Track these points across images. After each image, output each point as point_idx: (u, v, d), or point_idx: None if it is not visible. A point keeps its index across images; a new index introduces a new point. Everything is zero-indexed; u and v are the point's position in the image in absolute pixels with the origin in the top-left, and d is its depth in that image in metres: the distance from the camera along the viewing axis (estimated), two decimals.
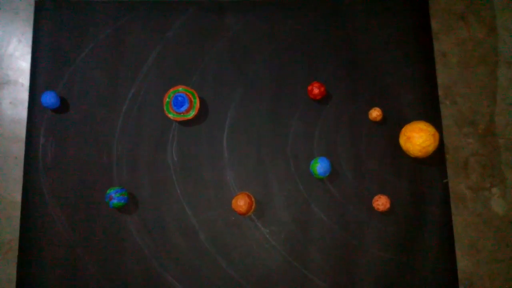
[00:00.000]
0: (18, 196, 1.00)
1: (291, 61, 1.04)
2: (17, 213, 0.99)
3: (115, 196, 0.94)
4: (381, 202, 0.94)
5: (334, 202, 0.98)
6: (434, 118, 1.01)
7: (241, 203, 0.92)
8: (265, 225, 0.97)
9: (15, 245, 0.98)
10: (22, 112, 1.04)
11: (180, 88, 1.01)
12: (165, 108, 1.00)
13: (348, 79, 1.03)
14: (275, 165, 1.00)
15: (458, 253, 0.96)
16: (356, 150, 1.00)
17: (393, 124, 1.01)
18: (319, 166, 0.94)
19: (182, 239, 0.97)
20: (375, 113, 0.99)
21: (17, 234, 0.98)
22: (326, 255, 0.95)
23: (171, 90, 1.01)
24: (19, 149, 1.02)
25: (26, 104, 1.04)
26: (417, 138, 0.93)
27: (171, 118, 1.00)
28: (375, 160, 0.99)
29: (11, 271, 0.97)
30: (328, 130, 1.01)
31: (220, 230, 0.97)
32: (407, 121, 0.99)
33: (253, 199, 0.95)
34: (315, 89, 0.99)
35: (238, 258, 0.96)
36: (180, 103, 0.98)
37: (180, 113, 1.00)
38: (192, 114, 1.00)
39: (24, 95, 1.05)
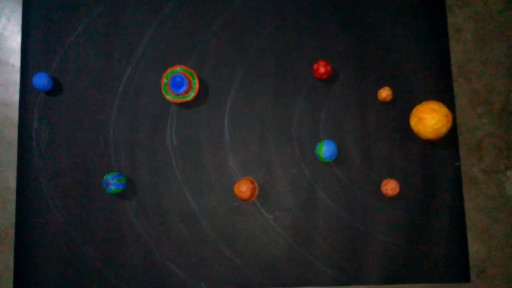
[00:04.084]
0: (12, 182, 0.97)
1: (295, 38, 0.98)
2: (12, 199, 0.96)
3: (112, 182, 0.90)
4: (390, 187, 0.90)
5: (341, 186, 0.94)
6: (447, 97, 0.95)
7: (243, 188, 0.89)
8: (269, 211, 0.94)
9: (11, 232, 0.95)
10: (14, 95, 1.00)
11: (178, 68, 0.96)
12: (163, 90, 0.95)
13: (356, 57, 0.97)
14: (279, 148, 0.95)
15: (470, 239, 0.92)
16: (364, 132, 0.95)
17: (404, 104, 0.95)
18: (325, 150, 0.89)
19: (183, 226, 0.94)
20: (385, 93, 0.94)
21: (13, 221, 0.95)
22: (333, 242, 0.92)
23: (169, 70, 0.96)
24: (12, 133, 0.98)
25: (18, 87, 1.00)
26: (429, 119, 0.88)
27: (170, 100, 0.95)
28: (384, 143, 0.95)
29: (9, 259, 0.95)
30: (334, 111, 0.96)
31: (222, 216, 0.94)
32: (419, 101, 0.94)
33: (256, 184, 0.91)
34: (321, 68, 0.93)
35: (241, 245, 0.93)
36: (179, 84, 0.94)
37: (178, 95, 0.95)
38: (191, 95, 0.95)
39: (15, 76, 1.00)
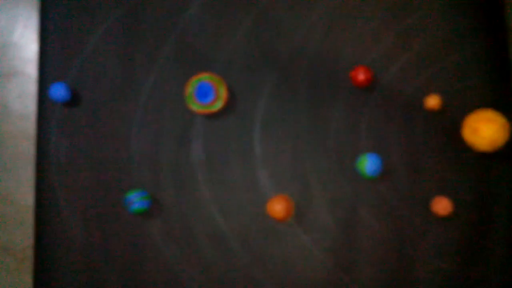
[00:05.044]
0: (30, 199, 0.91)
1: (331, 41, 0.89)
2: (30, 218, 0.90)
3: (136, 201, 0.83)
4: (441, 206, 0.81)
5: (386, 205, 0.85)
6: (504, 105, 0.86)
7: (278, 207, 0.81)
8: (306, 232, 0.85)
9: (30, 253, 0.90)
10: (31, 106, 0.94)
11: (205, 76, 0.88)
12: (187, 99, 0.88)
13: (400, 61, 0.88)
14: (315, 163, 0.87)
15: None
16: (411, 145, 0.86)
17: (455, 113, 0.86)
18: (368, 164, 0.81)
19: (211, 248, 0.87)
20: (433, 101, 0.84)
21: (31, 241, 0.90)
22: (377, 266, 0.83)
23: (194, 78, 0.88)
24: (29, 148, 0.93)
25: (34, 98, 0.94)
26: (485, 130, 0.79)
27: (195, 110, 0.88)
28: (434, 156, 0.85)
29: (28, 281, 0.89)
30: (376, 121, 0.87)
31: (254, 238, 0.86)
32: (472, 109, 0.85)
33: (291, 202, 0.83)
34: (361, 75, 0.85)
35: (275, 269, 0.85)
36: (205, 93, 0.86)
37: (204, 105, 0.87)
38: (218, 105, 0.88)
39: (32, 87, 0.95)
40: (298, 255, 0.85)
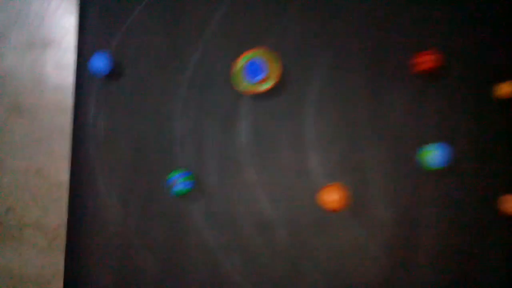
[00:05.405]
0: (65, 176, 0.86)
1: (395, 21, 0.82)
2: (64, 195, 0.85)
3: (179, 181, 0.78)
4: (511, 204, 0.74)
5: (450, 200, 0.78)
6: None
7: (333, 197, 0.75)
8: (362, 226, 0.79)
9: (62, 233, 0.85)
10: (68, 78, 0.89)
11: (257, 52, 0.82)
12: (236, 77, 0.82)
13: (469, 44, 0.80)
14: (373, 151, 0.80)
15: None
16: (480, 136, 0.78)
17: None
18: (433, 155, 0.74)
19: (256, 235, 0.81)
20: (507, 88, 0.77)
21: (64, 219, 0.85)
22: (438, 266, 0.77)
23: (245, 54, 0.82)
24: (65, 121, 0.87)
25: (72, 69, 0.89)
26: None
27: (244, 89, 0.82)
28: (505, 149, 0.78)
29: (59, 261, 0.85)
30: (442, 109, 0.80)
31: (303, 228, 0.80)
32: None
33: (347, 193, 0.76)
34: (426, 60, 0.78)
35: (325, 263, 0.79)
36: (256, 70, 0.80)
37: (255, 83, 0.81)
38: (270, 84, 0.81)
39: (70, 58, 0.89)
40: (351, 249, 0.78)
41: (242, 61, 0.82)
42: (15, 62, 0.90)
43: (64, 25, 0.91)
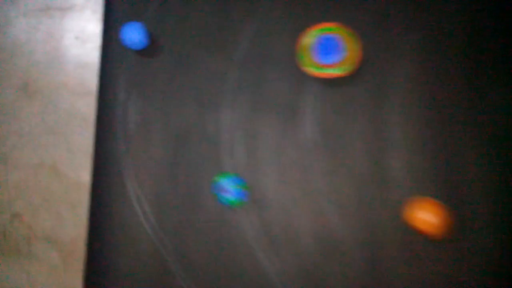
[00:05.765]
0: (86, 176, 0.71)
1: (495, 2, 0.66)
2: (84, 199, 0.70)
3: (230, 189, 0.62)
4: None
5: None
6: None
7: (430, 216, 0.59)
8: (460, 254, 0.63)
9: (80, 246, 0.69)
10: (92, 52, 0.73)
11: (331, 27, 0.66)
12: (302, 57, 0.66)
13: None
14: (473, 159, 0.64)
15: None
16: None
17: None
18: None
19: (322, 259, 0.65)
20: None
21: (83, 230, 0.70)
22: None
23: (314, 28, 0.66)
24: (88, 107, 0.72)
25: (98, 41, 0.73)
26: None
27: (312, 72, 0.66)
28: None
29: (75, 283, 0.69)
30: None
31: (382, 252, 0.64)
32: None
33: (446, 213, 0.61)
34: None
35: None
36: (330, 49, 0.65)
37: (327, 66, 0.65)
38: (346, 68, 0.65)
39: (95, 27, 0.74)
40: (444, 282, 0.63)
41: (312, 35, 0.66)
42: (26, 31, 0.74)
43: None
